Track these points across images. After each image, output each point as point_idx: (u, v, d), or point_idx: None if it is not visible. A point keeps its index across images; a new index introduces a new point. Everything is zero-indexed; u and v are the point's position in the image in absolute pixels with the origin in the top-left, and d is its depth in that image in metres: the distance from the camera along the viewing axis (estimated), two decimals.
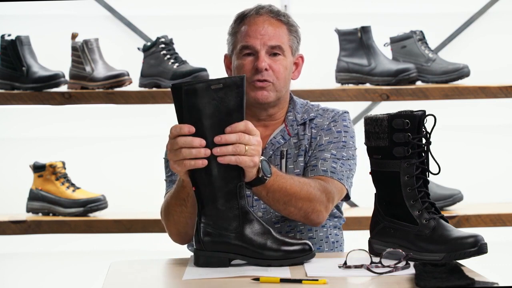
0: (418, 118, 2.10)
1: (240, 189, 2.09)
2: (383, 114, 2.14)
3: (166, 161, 2.50)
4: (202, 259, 2.10)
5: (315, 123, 2.51)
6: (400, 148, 2.10)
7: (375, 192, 2.21)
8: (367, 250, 2.10)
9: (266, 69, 2.42)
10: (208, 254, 2.09)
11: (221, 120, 2.06)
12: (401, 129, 2.10)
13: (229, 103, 2.06)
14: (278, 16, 2.47)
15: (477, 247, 2.02)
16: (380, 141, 2.13)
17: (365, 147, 2.21)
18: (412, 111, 2.12)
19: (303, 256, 2.09)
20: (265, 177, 2.15)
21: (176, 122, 2.08)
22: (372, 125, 2.14)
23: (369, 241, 2.20)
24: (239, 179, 2.09)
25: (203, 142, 2.04)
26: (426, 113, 2.13)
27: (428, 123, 2.14)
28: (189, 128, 2.04)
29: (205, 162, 2.05)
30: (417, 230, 2.09)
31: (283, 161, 2.45)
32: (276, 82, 2.44)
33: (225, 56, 2.54)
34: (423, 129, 2.12)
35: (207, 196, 2.08)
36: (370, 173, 2.20)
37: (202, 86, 2.04)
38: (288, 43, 2.47)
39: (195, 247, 2.12)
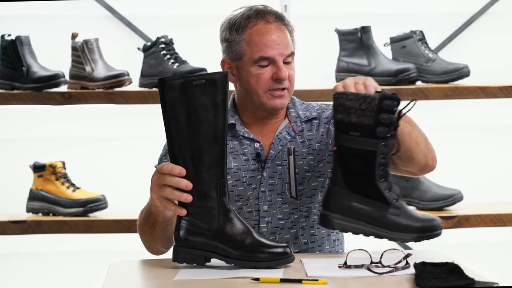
0: (400, 101, 2.15)
1: (222, 186, 2.08)
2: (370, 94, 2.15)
3: None
4: (178, 256, 2.10)
5: (326, 116, 2.53)
6: (382, 128, 2.12)
7: (332, 168, 2.21)
8: (367, 250, 2.10)
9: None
10: (185, 251, 2.09)
11: (202, 116, 2.06)
12: (389, 110, 2.12)
13: (211, 99, 2.06)
14: (283, 21, 2.48)
15: (441, 228, 2.14)
16: (364, 118, 2.13)
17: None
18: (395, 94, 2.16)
19: (279, 260, 2.05)
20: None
21: None
22: (359, 101, 2.14)
23: (326, 216, 2.18)
24: (221, 176, 2.09)
25: (190, 185, 2.07)
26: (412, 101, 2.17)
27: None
28: (180, 170, 2.08)
29: (184, 211, 2.09)
30: (389, 210, 2.13)
31: (291, 157, 2.47)
32: (290, 87, 2.48)
33: (225, 62, 2.52)
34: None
35: (189, 193, 2.08)
36: (336, 148, 2.18)
37: (183, 82, 2.05)
38: (293, 46, 2.49)
39: (175, 243, 2.13)
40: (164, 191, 2.10)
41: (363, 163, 2.14)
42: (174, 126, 2.07)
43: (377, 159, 2.13)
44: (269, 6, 2.51)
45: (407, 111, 2.18)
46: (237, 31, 2.47)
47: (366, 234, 2.15)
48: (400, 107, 2.17)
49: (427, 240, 2.13)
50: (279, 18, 2.48)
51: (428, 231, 2.12)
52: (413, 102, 2.17)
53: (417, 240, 2.10)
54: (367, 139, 2.13)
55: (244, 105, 2.52)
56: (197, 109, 2.05)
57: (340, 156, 2.18)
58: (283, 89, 2.46)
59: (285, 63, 2.45)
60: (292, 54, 2.47)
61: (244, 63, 2.47)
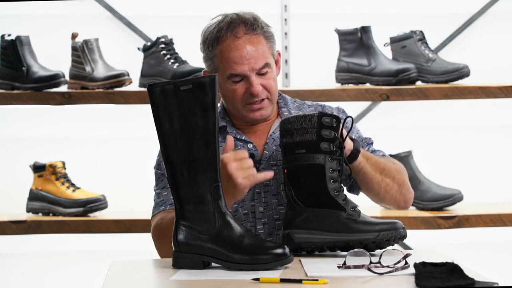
0: (340, 120, 2.22)
1: (216, 190, 2.08)
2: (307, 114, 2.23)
3: (158, 173, 2.52)
4: (177, 261, 2.10)
5: None
6: (326, 144, 2.18)
7: (286, 190, 2.24)
8: (366, 251, 2.10)
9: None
10: (184, 256, 2.09)
11: (192, 121, 2.06)
12: (329, 126, 2.18)
13: (200, 104, 2.05)
14: (255, 31, 2.43)
15: (403, 229, 2.17)
16: (307, 136, 2.19)
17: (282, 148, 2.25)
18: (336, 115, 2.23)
19: (279, 261, 2.03)
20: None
21: None
22: (299, 122, 2.20)
23: (287, 234, 2.20)
24: (214, 179, 2.08)
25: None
26: (347, 118, 2.27)
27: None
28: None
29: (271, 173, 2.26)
30: (346, 215, 2.17)
31: None
32: (270, 96, 2.46)
33: (205, 74, 2.50)
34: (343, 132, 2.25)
35: (184, 197, 2.08)
36: (286, 171, 2.22)
37: (170, 87, 2.06)
38: (270, 53, 2.45)
39: (173, 249, 2.12)
40: (247, 171, 2.21)
41: (314, 178, 2.19)
42: (165, 131, 2.08)
43: (327, 173, 2.18)
44: (243, 13, 2.45)
45: (348, 131, 2.26)
46: (209, 48, 2.46)
47: (326, 243, 2.16)
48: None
49: (389, 242, 2.15)
50: (251, 28, 2.42)
51: (389, 230, 2.15)
52: (349, 119, 2.27)
53: (379, 238, 2.11)
54: (313, 154, 2.19)
55: (231, 111, 2.52)
56: (186, 114, 2.05)
57: (291, 177, 2.22)
58: (262, 100, 2.44)
59: (261, 74, 2.43)
60: (266, 65, 2.42)
61: (219, 77, 2.44)
